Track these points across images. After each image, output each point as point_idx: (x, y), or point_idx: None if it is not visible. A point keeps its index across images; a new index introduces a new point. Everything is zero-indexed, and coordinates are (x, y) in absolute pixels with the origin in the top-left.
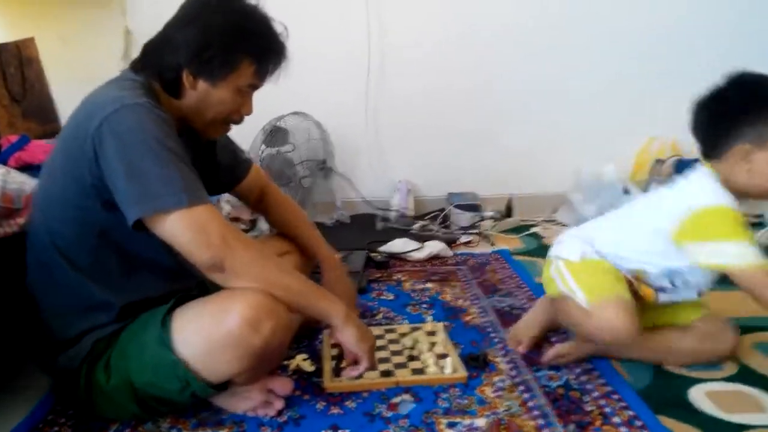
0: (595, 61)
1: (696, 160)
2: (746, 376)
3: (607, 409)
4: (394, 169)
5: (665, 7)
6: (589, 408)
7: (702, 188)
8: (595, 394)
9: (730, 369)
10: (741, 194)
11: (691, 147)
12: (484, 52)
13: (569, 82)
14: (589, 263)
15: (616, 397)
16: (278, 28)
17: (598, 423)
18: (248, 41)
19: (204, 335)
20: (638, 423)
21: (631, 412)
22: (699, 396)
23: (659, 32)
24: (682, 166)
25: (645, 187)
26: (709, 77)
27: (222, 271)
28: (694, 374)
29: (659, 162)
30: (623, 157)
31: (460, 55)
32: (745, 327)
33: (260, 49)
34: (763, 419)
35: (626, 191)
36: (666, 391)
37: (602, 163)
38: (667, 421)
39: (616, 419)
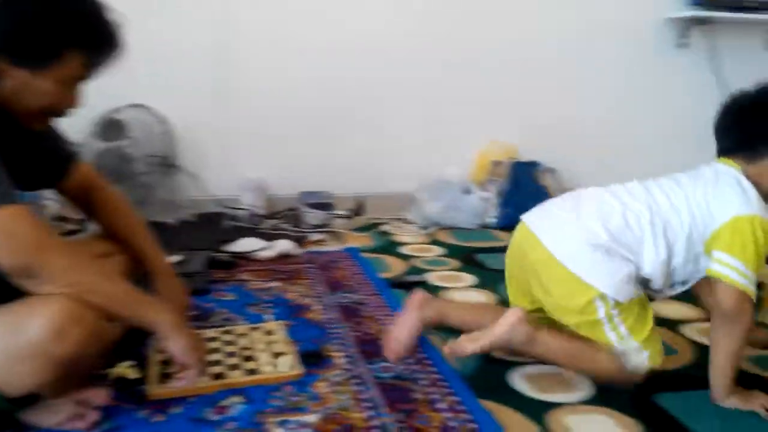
0: (440, 68)
1: (532, 163)
2: None
3: (435, 396)
4: (245, 166)
5: (504, 21)
6: (418, 396)
7: (746, 195)
8: (425, 382)
9: None
10: (764, 197)
11: (524, 149)
12: (338, 52)
13: (417, 87)
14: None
15: (443, 384)
16: (112, 16)
17: (425, 410)
18: (75, 30)
19: (2, 345)
20: (461, 407)
21: (456, 398)
22: (518, 379)
23: (498, 46)
24: (517, 167)
25: (484, 187)
26: (539, 88)
27: (33, 276)
28: (514, 358)
29: (496, 163)
30: (466, 158)
31: (314, 54)
32: None
33: (89, 39)
34: (571, 397)
35: (467, 191)
36: (490, 375)
37: (447, 164)
38: (488, 404)
39: (441, 405)
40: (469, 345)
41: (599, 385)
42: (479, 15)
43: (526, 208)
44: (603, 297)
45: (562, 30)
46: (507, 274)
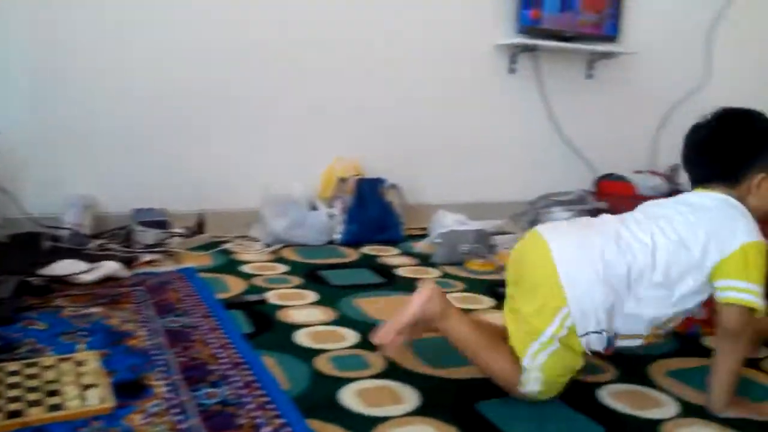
0: (284, 82)
1: (377, 180)
2: (392, 371)
3: (260, 420)
4: (68, 182)
5: (350, 39)
6: (242, 421)
7: (747, 222)
8: (251, 405)
9: (379, 366)
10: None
11: (369, 166)
12: (174, 60)
13: (260, 100)
14: (581, 351)
15: (270, 406)
16: None
17: None
18: None
19: None
20: (287, 430)
21: (281, 420)
22: (348, 395)
23: (344, 64)
24: (362, 184)
25: (330, 204)
26: (383, 106)
27: None
28: (346, 374)
29: (342, 180)
30: (312, 174)
31: (147, 60)
32: None
33: None
34: (400, 410)
35: (313, 208)
36: (320, 394)
37: (293, 180)
38: (315, 424)
39: (266, 429)
40: (390, 335)
41: (424, 396)
42: (326, 31)
43: (371, 224)
44: (567, 316)
45: (406, 52)
46: (507, 284)
